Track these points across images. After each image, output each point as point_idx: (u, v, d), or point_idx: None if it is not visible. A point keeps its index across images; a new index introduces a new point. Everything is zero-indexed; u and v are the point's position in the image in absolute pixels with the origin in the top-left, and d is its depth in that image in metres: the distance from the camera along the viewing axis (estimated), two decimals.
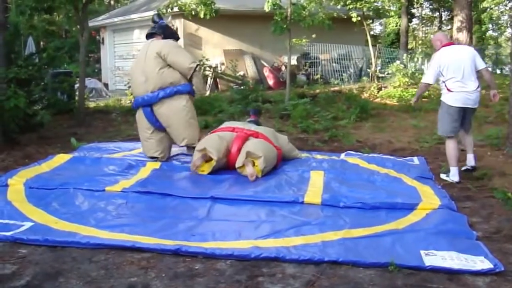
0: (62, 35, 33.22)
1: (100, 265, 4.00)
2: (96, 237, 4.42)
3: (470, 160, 7.14)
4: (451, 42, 7.22)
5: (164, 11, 15.57)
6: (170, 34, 7.77)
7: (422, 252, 4.20)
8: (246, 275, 3.86)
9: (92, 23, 22.41)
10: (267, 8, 14.06)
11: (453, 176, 6.78)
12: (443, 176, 6.91)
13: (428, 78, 6.96)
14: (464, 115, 6.88)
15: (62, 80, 12.43)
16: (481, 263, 4.00)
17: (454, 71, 6.67)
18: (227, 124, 7.69)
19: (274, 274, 3.88)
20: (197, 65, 7.41)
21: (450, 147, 6.87)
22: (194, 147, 7.13)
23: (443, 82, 6.79)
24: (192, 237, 4.49)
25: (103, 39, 24.35)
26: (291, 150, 7.75)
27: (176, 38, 7.89)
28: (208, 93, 17.21)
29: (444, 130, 6.94)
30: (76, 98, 12.35)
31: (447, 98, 6.81)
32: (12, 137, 8.57)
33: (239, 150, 6.77)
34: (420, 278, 3.83)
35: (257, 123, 7.94)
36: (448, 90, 6.75)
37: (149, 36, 7.73)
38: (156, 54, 7.27)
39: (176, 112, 7.31)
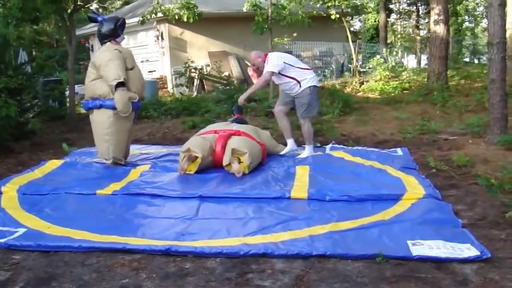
0: (54, 45, 33.23)
1: (92, 268, 4.01)
2: (88, 240, 4.43)
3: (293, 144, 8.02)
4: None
5: (149, 17, 15.64)
6: (118, 28, 7.36)
7: (409, 242, 4.24)
8: (236, 272, 3.88)
9: (81, 31, 22.59)
10: (245, 8, 14.21)
11: (312, 151, 7.68)
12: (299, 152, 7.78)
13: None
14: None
15: (52, 88, 12.57)
16: (468, 250, 4.04)
17: (297, 61, 7.87)
18: (208, 128, 7.72)
19: (263, 270, 3.91)
20: (120, 83, 6.91)
21: (310, 126, 7.87)
22: (116, 162, 7.19)
23: (301, 70, 7.65)
24: (181, 237, 4.51)
25: (92, 46, 24.63)
26: (274, 145, 7.85)
27: (122, 27, 7.43)
28: (195, 94, 17.30)
29: (317, 110, 7.98)
30: (67, 104, 12.43)
31: (312, 81, 7.62)
32: (6, 145, 8.58)
33: (223, 148, 6.83)
34: (408, 268, 3.87)
35: (242, 121, 8.00)
36: (306, 75, 7.63)
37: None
38: (92, 64, 7.19)
39: (97, 124, 7.20)
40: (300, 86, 7.53)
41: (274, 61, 7.52)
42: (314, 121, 10.51)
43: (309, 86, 7.54)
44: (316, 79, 7.79)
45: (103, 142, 7.15)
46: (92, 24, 24.96)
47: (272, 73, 7.52)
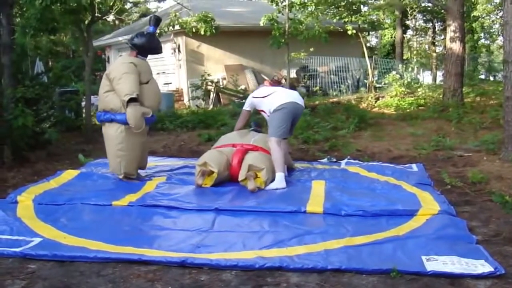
0: (70, 55, 33.58)
1: (108, 278, 4.03)
2: (104, 251, 4.46)
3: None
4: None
5: (166, 29, 15.76)
6: (147, 49, 7.22)
7: (423, 257, 4.24)
8: (251, 285, 3.89)
9: (98, 42, 22.87)
10: (262, 23, 14.31)
11: (282, 182, 6.70)
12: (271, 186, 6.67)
13: None
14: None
15: (69, 98, 12.56)
16: (482, 266, 4.04)
17: (266, 90, 7.54)
18: (226, 140, 7.66)
19: (278, 283, 3.92)
20: (133, 99, 6.71)
21: (277, 149, 6.96)
22: (128, 177, 7.11)
23: (266, 99, 7.35)
24: (197, 249, 4.53)
25: (108, 57, 24.94)
26: (289, 159, 7.83)
27: (154, 51, 7.35)
28: (211, 107, 17.40)
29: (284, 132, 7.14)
30: (83, 115, 12.53)
31: (277, 104, 7.14)
32: (22, 155, 8.67)
33: (239, 162, 6.84)
34: (422, 283, 3.87)
35: (259, 131, 8.01)
36: (270, 103, 7.25)
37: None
38: (105, 76, 7.06)
39: (109, 139, 7.08)
40: (268, 114, 7.35)
41: (247, 101, 7.81)
42: (330, 136, 10.59)
43: (275, 110, 7.13)
44: (279, 99, 7.20)
45: (115, 157, 7.03)
46: (109, 36, 25.49)
47: (247, 111, 7.80)
